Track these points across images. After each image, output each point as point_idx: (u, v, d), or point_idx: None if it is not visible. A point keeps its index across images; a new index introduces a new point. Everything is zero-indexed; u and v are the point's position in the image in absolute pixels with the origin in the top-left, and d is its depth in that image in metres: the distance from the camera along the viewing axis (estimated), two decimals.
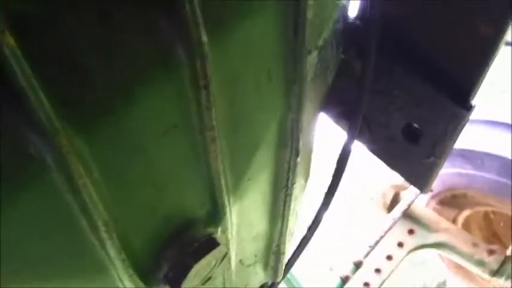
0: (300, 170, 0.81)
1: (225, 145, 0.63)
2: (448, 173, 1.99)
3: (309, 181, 0.97)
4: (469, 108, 0.83)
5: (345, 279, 1.97)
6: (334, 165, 0.95)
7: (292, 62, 0.63)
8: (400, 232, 2.09)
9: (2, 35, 0.37)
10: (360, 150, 1.00)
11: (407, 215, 2.09)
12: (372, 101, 0.91)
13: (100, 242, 0.57)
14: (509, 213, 1.99)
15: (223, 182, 0.67)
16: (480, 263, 1.96)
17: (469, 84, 0.82)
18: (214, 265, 0.71)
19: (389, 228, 2.06)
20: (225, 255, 0.72)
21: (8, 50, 0.38)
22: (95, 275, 0.61)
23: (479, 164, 1.88)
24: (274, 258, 0.98)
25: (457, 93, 0.82)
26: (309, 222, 1.04)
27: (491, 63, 0.78)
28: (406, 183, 0.99)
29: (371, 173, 1.93)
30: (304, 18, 0.59)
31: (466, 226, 2.25)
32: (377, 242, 2.04)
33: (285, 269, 1.06)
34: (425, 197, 2.19)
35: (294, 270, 1.25)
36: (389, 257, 2.06)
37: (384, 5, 0.78)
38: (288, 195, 0.84)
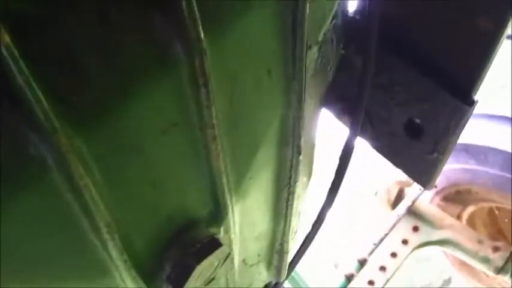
0: (302, 168, 0.81)
1: (225, 143, 0.63)
2: (452, 169, 1.98)
3: (311, 179, 0.97)
4: (471, 103, 0.83)
5: (349, 277, 1.96)
6: (337, 162, 0.94)
7: (291, 59, 0.63)
8: (404, 229, 2.08)
9: None
10: (363, 146, 1.00)
11: (412, 211, 2.09)
12: (373, 96, 0.90)
13: (102, 243, 0.57)
14: None
15: (225, 181, 0.66)
16: (485, 260, 1.95)
17: (471, 79, 0.82)
18: (217, 266, 0.71)
19: (394, 225, 2.06)
20: (228, 256, 0.72)
21: (5, 49, 0.38)
22: (96, 276, 0.61)
23: (482, 159, 1.87)
24: (278, 258, 0.98)
25: (458, 89, 0.82)
26: (313, 219, 1.03)
27: (493, 58, 0.78)
28: (410, 180, 0.99)
29: (375, 170, 1.92)
30: (303, 14, 0.59)
31: (471, 222, 2.24)
32: (381, 240, 2.04)
33: (288, 268, 1.06)
34: (429, 194, 2.18)
35: (298, 268, 1.25)
36: (393, 255, 2.05)
37: (384, 3, 0.78)
38: (290, 194, 0.83)
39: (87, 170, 0.49)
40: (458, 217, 2.21)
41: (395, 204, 2.13)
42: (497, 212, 2.27)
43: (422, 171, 0.98)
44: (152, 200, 0.60)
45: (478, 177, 1.93)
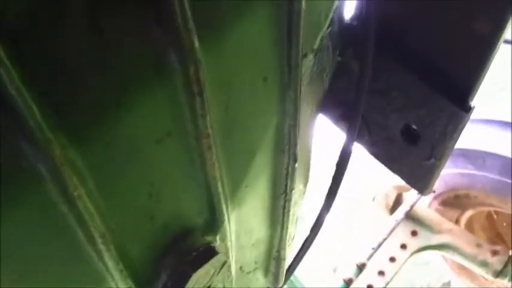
0: (298, 175, 0.81)
1: (221, 152, 0.63)
2: (450, 173, 1.98)
3: (308, 185, 0.97)
4: (468, 109, 0.82)
5: (348, 282, 1.96)
6: (334, 168, 0.94)
7: (287, 66, 0.63)
8: (403, 234, 2.08)
9: None
10: (361, 151, 1.00)
11: (410, 216, 2.08)
12: (369, 102, 0.90)
13: (97, 254, 0.56)
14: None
15: (220, 189, 0.66)
16: (484, 264, 1.94)
17: (467, 85, 0.81)
18: (213, 274, 0.71)
19: (392, 230, 2.05)
20: (224, 264, 0.71)
21: None
22: (93, 286, 0.60)
23: (481, 164, 1.87)
24: (275, 264, 0.97)
25: (455, 94, 0.82)
26: (311, 225, 1.03)
27: (490, 63, 0.78)
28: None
29: (373, 175, 1.92)
30: (298, 21, 0.59)
31: (469, 227, 2.24)
32: (380, 244, 2.03)
33: (286, 274, 1.05)
34: (427, 198, 2.18)
35: (297, 272, 1.25)
36: (392, 259, 2.05)
37: (381, 6, 0.78)
38: (287, 201, 0.83)
39: (81, 180, 0.49)
40: (457, 221, 2.21)
41: (393, 209, 2.12)
42: (495, 216, 2.27)
43: (419, 177, 0.98)
44: (147, 209, 0.60)
45: (476, 181, 1.93)
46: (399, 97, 0.89)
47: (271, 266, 0.98)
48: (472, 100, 0.83)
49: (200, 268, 0.68)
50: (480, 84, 0.81)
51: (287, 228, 0.90)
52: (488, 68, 0.78)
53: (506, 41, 0.79)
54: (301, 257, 1.07)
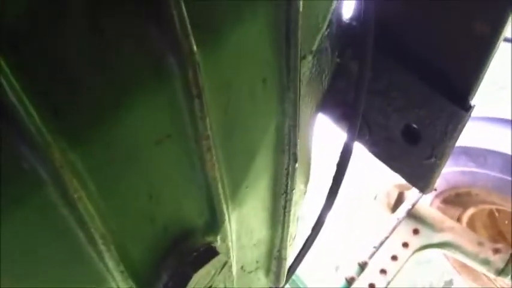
0: (299, 175, 0.81)
1: (221, 153, 0.63)
2: (451, 172, 1.98)
3: (309, 185, 0.97)
4: (468, 108, 0.83)
5: (350, 281, 1.96)
6: (335, 167, 0.94)
7: (286, 68, 0.63)
8: (404, 232, 2.07)
9: None
10: (362, 150, 1.00)
11: (412, 214, 2.08)
12: (370, 102, 0.90)
13: (98, 255, 0.57)
14: None
15: (220, 190, 0.66)
16: (485, 262, 1.94)
17: (467, 85, 0.82)
18: (214, 274, 0.71)
19: (394, 229, 2.05)
20: (225, 264, 0.72)
21: None
22: (93, 287, 0.61)
23: (482, 162, 1.87)
24: (276, 264, 0.98)
25: (455, 94, 0.82)
26: (312, 224, 1.03)
27: (489, 62, 0.78)
28: None
29: (374, 173, 1.92)
30: (296, 23, 0.59)
31: (471, 225, 2.24)
32: (382, 243, 2.03)
33: (287, 273, 1.06)
34: (429, 196, 2.18)
35: (299, 271, 1.25)
36: (394, 257, 2.04)
37: (380, 5, 0.78)
38: (287, 201, 0.83)
39: (81, 182, 0.49)
40: (459, 219, 2.21)
41: (395, 207, 2.12)
42: (497, 214, 2.27)
43: (420, 176, 0.98)
44: (148, 210, 0.60)
45: (477, 179, 1.92)
46: (399, 97, 0.89)
47: (273, 265, 0.98)
48: (472, 99, 0.83)
49: (201, 268, 0.68)
50: (480, 83, 0.81)
51: (288, 228, 0.90)
52: (488, 67, 0.79)
53: (506, 40, 0.79)
54: (303, 256, 1.07)
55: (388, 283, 2.01)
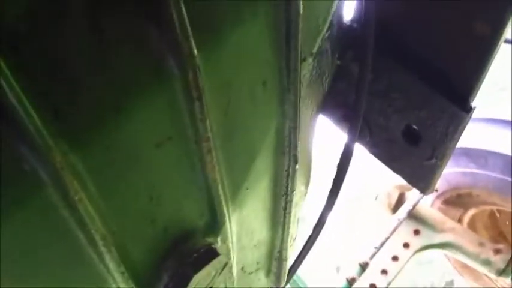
0: (299, 176, 0.81)
1: (221, 155, 0.63)
2: (452, 172, 1.98)
3: (309, 187, 0.97)
4: (469, 110, 0.83)
5: (351, 281, 1.96)
6: (336, 167, 0.94)
7: (286, 70, 0.63)
8: (405, 233, 2.08)
9: None
10: (363, 151, 1.00)
11: (413, 215, 2.08)
12: (370, 103, 0.90)
13: (98, 256, 0.57)
14: None
15: (221, 191, 0.66)
16: (486, 263, 1.94)
17: (468, 86, 0.82)
18: (215, 275, 0.71)
19: (395, 229, 2.05)
20: (226, 265, 0.72)
21: None
22: None
23: (483, 163, 1.87)
24: (277, 265, 0.98)
25: (456, 95, 0.82)
26: (313, 225, 1.03)
27: (490, 64, 0.78)
28: None
29: (375, 174, 1.92)
30: (296, 25, 0.59)
31: (472, 225, 2.24)
32: (383, 243, 2.03)
33: (288, 274, 1.06)
34: (430, 197, 2.18)
35: (300, 272, 1.25)
36: (395, 258, 2.04)
37: (381, 7, 0.78)
38: (288, 202, 0.83)
39: (82, 184, 0.49)
40: (460, 220, 2.21)
41: (396, 208, 2.12)
42: (498, 214, 2.27)
43: (420, 177, 0.98)
44: (148, 211, 0.60)
45: (478, 180, 1.92)
46: (400, 98, 0.89)
47: (273, 266, 0.98)
48: (472, 100, 0.83)
49: (201, 269, 0.68)
50: (481, 84, 0.81)
51: (288, 229, 0.90)
52: (488, 69, 0.79)
53: (506, 41, 0.79)
54: (304, 257, 1.08)
55: (389, 283, 2.01)
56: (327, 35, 0.73)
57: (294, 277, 2.12)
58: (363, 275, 1.98)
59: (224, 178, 0.66)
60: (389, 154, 0.99)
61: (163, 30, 0.47)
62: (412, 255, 2.05)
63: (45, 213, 0.49)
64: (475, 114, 0.83)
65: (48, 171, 0.46)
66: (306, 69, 0.73)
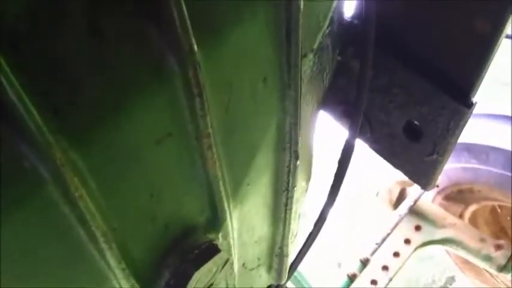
0: (300, 172, 0.81)
1: (222, 151, 0.63)
2: (453, 168, 1.98)
3: (310, 182, 0.97)
4: (470, 105, 0.82)
5: (352, 277, 1.96)
6: (337, 162, 0.94)
7: (286, 66, 0.63)
8: (406, 228, 2.08)
9: None
10: (364, 147, 1.00)
11: (414, 211, 2.08)
12: (371, 99, 0.90)
13: (99, 253, 0.57)
14: None
15: (222, 188, 0.66)
16: (487, 258, 1.94)
17: (469, 81, 0.81)
18: (216, 271, 0.71)
19: (396, 225, 2.05)
20: (227, 261, 0.72)
21: None
22: (95, 285, 0.61)
23: (484, 158, 1.87)
24: (278, 261, 0.98)
25: (457, 90, 0.82)
26: (314, 221, 1.03)
27: (491, 59, 0.78)
28: None
29: (376, 170, 1.92)
30: (297, 21, 0.59)
31: (473, 221, 2.24)
32: (384, 239, 2.03)
33: (290, 270, 1.06)
34: (431, 193, 2.18)
35: (301, 268, 1.25)
36: (396, 254, 2.05)
37: (382, 3, 0.78)
38: (289, 198, 0.83)
39: (82, 181, 0.49)
40: (461, 216, 2.21)
41: (397, 204, 2.12)
42: (499, 210, 2.27)
43: (421, 173, 0.98)
44: (149, 208, 0.60)
45: (479, 176, 1.92)
46: (401, 94, 0.89)
47: (274, 262, 0.98)
48: (474, 96, 0.83)
49: (202, 266, 0.68)
50: (482, 80, 0.81)
51: (289, 225, 0.90)
52: (489, 65, 0.78)
53: (507, 37, 0.79)
54: (305, 253, 1.08)
55: (390, 279, 2.01)
56: (327, 31, 0.73)
57: (298, 277, 2.12)
58: (364, 271, 1.98)
59: (225, 174, 0.66)
60: (390, 150, 0.99)
61: (164, 30, 0.47)
62: (413, 251, 2.05)
63: (46, 211, 0.49)
64: (476, 110, 0.83)
65: (48, 168, 0.46)
66: (307, 65, 0.73)
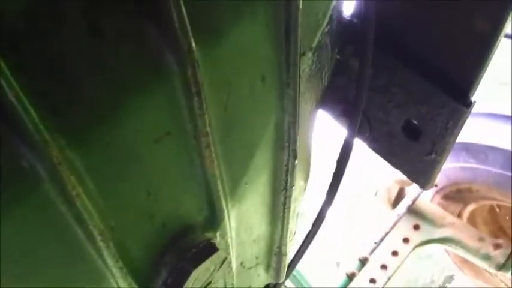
0: (298, 171, 0.81)
1: (220, 150, 0.63)
2: (452, 167, 1.98)
3: (308, 182, 0.97)
4: (468, 104, 0.82)
5: (351, 276, 1.96)
6: (335, 162, 0.94)
7: (285, 65, 0.63)
8: (405, 228, 2.08)
9: None
10: (363, 146, 1.00)
11: (413, 210, 2.08)
12: (370, 98, 0.90)
13: (97, 251, 0.57)
14: None
15: (220, 186, 0.66)
16: (486, 257, 1.94)
17: (468, 81, 0.81)
18: (214, 270, 0.71)
19: (395, 224, 2.05)
20: (225, 260, 0.72)
21: None
22: (93, 284, 0.61)
23: (483, 158, 1.87)
24: (276, 260, 0.98)
25: (456, 90, 0.82)
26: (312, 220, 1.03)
27: (490, 59, 0.78)
28: None
29: (375, 169, 1.92)
30: (296, 20, 0.59)
31: (472, 220, 2.24)
32: (382, 238, 2.04)
33: (288, 269, 1.06)
34: (430, 192, 2.18)
35: (300, 267, 1.25)
36: (395, 253, 2.05)
37: (381, 5, 0.78)
38: (287, 197, 0.83)
39: (79, 180, 0.49)
40: (459, 215, 2.21)
41: (395, 203, 2.12)
42: (498, 209, 2.27)
43: (420, 172, 0.98)
44: (147, 207, 0.60)
45: (478, 175, 1.93)
46: (400, 93, 0.89)
47: (273, 261, 0.98)
48: (472, 95, 0.83)
49: (200, 265, 0.68)
50: (480, 79, 0.81)
51: (288, 224, 0.90)
52: (488, 64, 0.78)
53: (506, 36, 0.79)
54: (303, 252, 1.08)
55: (389, 278, 2.01)
56: (326, 29, 0.73)
57: (298, 277, 2.12)
58: (362, 270, 1.98)
59: (223, 173, 0.66)
60: (389, 149, 0.99)
61: (163, 29, 0.47)
62: (411, 250, 2.06)
63: (43, 210, 0.49)
64: (475, 109, 0.83)
65: (45, 167, 0.46)
66: (306, 64, 0.73)
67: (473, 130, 1.85)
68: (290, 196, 0.84)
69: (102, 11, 0.43)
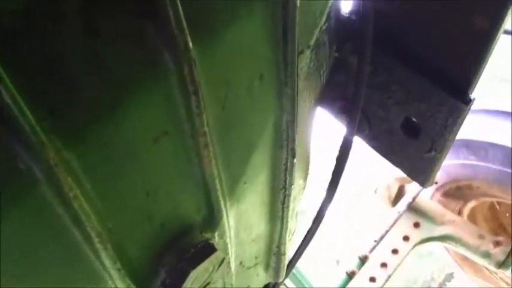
0: (297, 170, 0.81)
1: (218, 149, 0.63)
2: (452, 164, 1.97)
3: (308, 180, 0.96)
4: (468, 101, 0.82)
5: (350, 274, 1.96)
6: (335, 159, 0.94)
7: (283, 64, 0.63)
8: (405, 225, 2.08)
9: None
10: (363, 144, 1.00)
11: (413, 208, 2.08)
12: (370, 95, 0.90)
13: (94, 253, 0.56)
14: None
15: (218, 186, 0.66)
16: (486, 255, 1.94)
17: (467, 78, 0.81)
18: (212, 270, 0.71)
19: (395, 222, 2.05)
20: (223, 261, 0.71)
21: None
22: (92, 284, 0.61)
23: (483, 155, 1.86)
24: (275, 259, 0.97)
25: (455, 87, 0.82)
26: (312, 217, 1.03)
27: (489, 56, 0.78)
28: None
29: (375, 167, 1.92)
30: (293, 19, 0.58)
31: (472, 217, 2.24)
32: (382, 236, 2.03)
33: (287, 268, 1.05)
34: (430, 190, 2.17)
35: (299, 265, 1.25)
36: (395, 251, 2.05)
37: (380, 3, 0.78)
38: (286, 196, 0.83)
39: (76, 181, 0.49)
40: (459, 212, 2.21)
41: (395, 201, 2.12)
42: (498, 206, 2.27)
43: (420, 170, 0.97)
44: (145, 207, 0.60)
45: (478, 172, 1.92)
46: (400, 91, 0.88)
47: (272, 261, 0.98)
48: (471, 93, 0.82)
49: (199, 265, 0.68)
50: (480, 76, 0.81)
51: (287, 223, 0.89)
52: (487, 61, 0.78)
53: (505, 32, 0.78)
54: (303, 251, 1.07)
55: (389, 276, 2.01)
56: (324, 27, 0.72)
57: (298, 275, 2.12)
58: (362, 268, 1.98)
59: (221, 172, 0.66)
60: (388, 147, 0.98)
61: (159, 27, 0.47)
62: (411, 248, 2.05)
63: (40, 212, 0.49)
64: (475, 106, 0.83)
65: (41, 168, 0.46)
66: (304, 62, 0.72)
67: (473, 127, 1.85)
68: (289, 195, 0.83)
69: (98, 11, 0.43)
